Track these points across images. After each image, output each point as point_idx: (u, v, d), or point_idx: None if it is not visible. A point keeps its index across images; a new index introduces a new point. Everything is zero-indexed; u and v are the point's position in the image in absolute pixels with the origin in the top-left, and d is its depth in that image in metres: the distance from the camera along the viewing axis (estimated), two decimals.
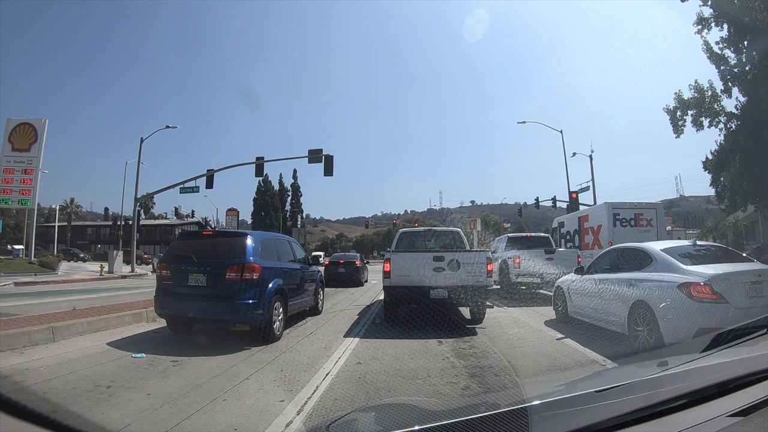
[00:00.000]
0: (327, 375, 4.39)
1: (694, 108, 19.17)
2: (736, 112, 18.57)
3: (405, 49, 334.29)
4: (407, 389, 3.99)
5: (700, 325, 4.55)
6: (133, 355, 5.09)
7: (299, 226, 56.98)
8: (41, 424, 0.82)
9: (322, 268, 12.47)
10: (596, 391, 1.26)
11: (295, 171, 71.22)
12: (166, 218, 75.02)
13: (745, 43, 17.39)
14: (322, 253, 42.32)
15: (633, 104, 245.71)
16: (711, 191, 21.55)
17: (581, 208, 23.07)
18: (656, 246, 6.09)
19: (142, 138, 26.83)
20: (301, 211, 71.89)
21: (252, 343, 5.74)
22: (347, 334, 6.70)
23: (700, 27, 18.44)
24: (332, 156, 22.25)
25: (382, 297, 8.22)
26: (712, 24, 18.15)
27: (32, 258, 27.91)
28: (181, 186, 25.42)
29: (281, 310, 6.47)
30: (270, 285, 6.19)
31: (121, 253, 26.55)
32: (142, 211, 45.86)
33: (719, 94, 18.79)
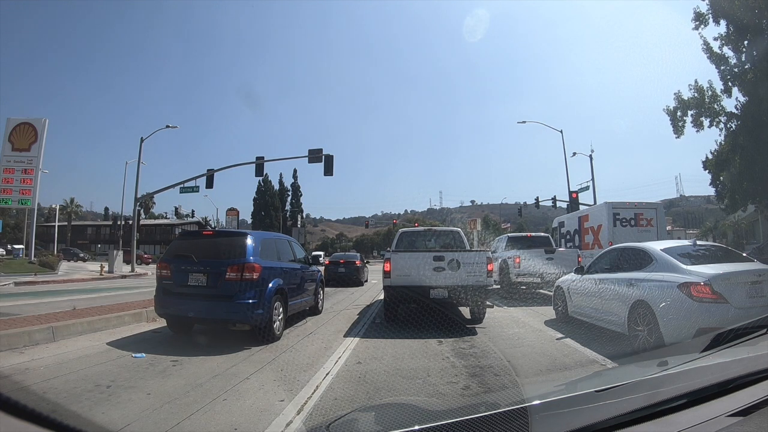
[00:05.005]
0: (327, 375, 4.39)
1: (694, 108, 19.17)
2: (736, 111, 18.56)
3: (405, 48, 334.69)
4: (407, 389, 3.99)
5: (700, 325, 4.55)
6: (133, 355, 5.09)
7: (299, 225, 57.08)
8: (41, 424, 0.82)
9: (322, 268, 12.47)
10: (596, 391, 1.26)
11: (295, 171, 71.44)
12: (166, 218, 74.95)
13: (745, 42, 17.38)
14: (322, 253, 42.37)
15: (633, 104, 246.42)
16: (711, 191, 21.56)
17: (581, 207, 23.05)
18: (656, 246, 6.08)
19: (142, 138, 26.85)
20: (301, 211, 71.94)
21: (252, 343, 5.74)
22: (347, 334, 6.70)
23: (697, 23, 18.44)
24: (332, 156, 22.26)
25: (382, 297, 8.22)
26: (710, 20, 18.14)
27: (32, 258, 27.91)
28: (181, 186, 25.40)
29: (281, 309, 6.47)
30: (270, 285, 6.19)
31: (121, 252, 26.54)
32: (142, 211, 45.80)
33: (719, 94, 18.79)
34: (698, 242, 6.49)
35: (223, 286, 5.85)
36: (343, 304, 10.76)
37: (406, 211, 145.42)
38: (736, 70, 17.98)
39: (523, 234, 15.83)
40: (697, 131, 19.36)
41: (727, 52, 18.24)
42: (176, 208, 75.27)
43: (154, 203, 69.09)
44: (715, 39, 18.22)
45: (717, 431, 1.06)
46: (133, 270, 25.38)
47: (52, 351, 5.21)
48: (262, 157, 24.66)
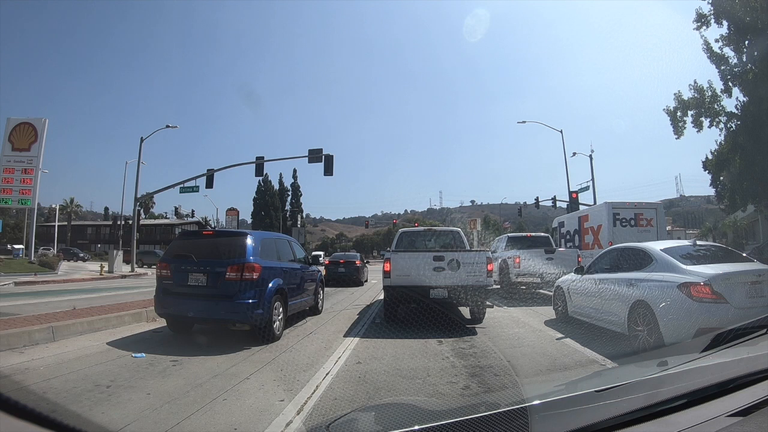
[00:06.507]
0: (327, 375, 4.39)
1: (694, 108, 19.19)
2: (736, 111, 18.57)
3: (405, 48, 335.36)
4: (407, 389, 3.99)
5: (700, 325, 4.55)
6: (133, 355, 5.09)
7: (299, 225, 56.93)
8: (41, 424, 0.81)
9: (322, 268, 12.47)
10: (596, 391, 1.26)
11: (295, 171, 71.41)
12: (166, 218, 74.91)
13: (746, 42, 17.38)
14: (322, 253, 42.37)
15: (633, 104, 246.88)
16: (711, 191, 21.65)
17: (581, 207, 23.05)
18: (656, 246, 6.08)
19: (142, 138, 26.84)
20: (301, 211, 71.83)
21: (252, 343, 5.74)
22: (347, 334, 6.70)
23: (699, 23, 18.45)
24: (332, 155, 22.28)
25: (382, 297, 8.22)
26: (712, 20, 18.14)
27: (32, 258, 27.90)
28: (181, 186, 25.42)
29: (281, 309, 6.47)
30: (270, 285, 6.19)
31: (121, 252, 26.55)
32: (142, 211, 45.82)
33: (719, 94, 18.82)
34: (698, 242, 6.49)
35: (223, 286, 5.85)
36: (343, 304, 10.76)
37: (406, 211, 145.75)
38: (736, 70, 17.99)
39: (523, 234, 15.82)
40: (698, 131, 19.40)
41: (728, 52, 18.29)
42: (176, 208, 75.12)
43: (154, 203, 69.21)
44: (717, 40, 18.27)
45: (717, 431, 1.06)
46: (132, 270, 25.38)
47: (52, 351, 5.20)
48: (262, 157, 24.68)
